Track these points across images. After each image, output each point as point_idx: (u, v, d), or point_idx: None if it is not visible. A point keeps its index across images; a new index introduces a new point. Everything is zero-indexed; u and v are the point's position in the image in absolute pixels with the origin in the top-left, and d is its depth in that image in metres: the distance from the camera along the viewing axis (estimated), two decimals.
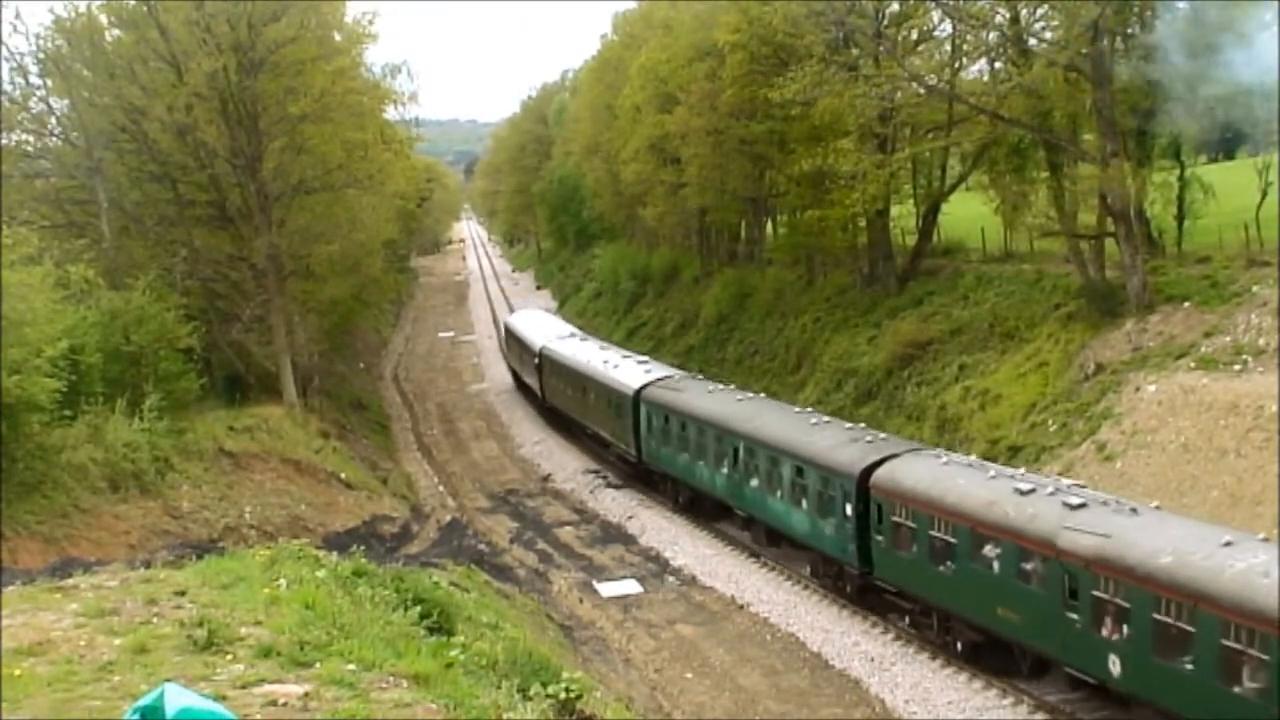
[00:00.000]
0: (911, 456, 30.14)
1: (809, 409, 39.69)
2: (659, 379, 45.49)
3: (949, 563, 26.56)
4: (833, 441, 32.75)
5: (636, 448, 45.03)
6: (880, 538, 29.15)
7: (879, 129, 49.10)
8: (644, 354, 68.11)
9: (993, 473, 27.49)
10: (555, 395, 58.98)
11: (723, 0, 59.95)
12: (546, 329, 65.51)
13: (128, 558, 23.53)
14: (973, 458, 30.88)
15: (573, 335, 63.06)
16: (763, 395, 44.00)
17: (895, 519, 28.42)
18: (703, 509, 41.57)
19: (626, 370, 48.24)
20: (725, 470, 37.92)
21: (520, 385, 70.39)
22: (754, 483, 36.14)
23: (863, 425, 35.79)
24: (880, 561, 29.51)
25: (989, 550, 25.32)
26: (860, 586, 31.16)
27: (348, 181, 51.26)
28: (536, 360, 60.72)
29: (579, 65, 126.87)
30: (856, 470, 30.07)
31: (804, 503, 32.89)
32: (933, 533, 26.98)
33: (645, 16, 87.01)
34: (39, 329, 29.87)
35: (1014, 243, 52.09)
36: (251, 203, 48.14)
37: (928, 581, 27.62)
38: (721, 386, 44.32)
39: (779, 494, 34.52)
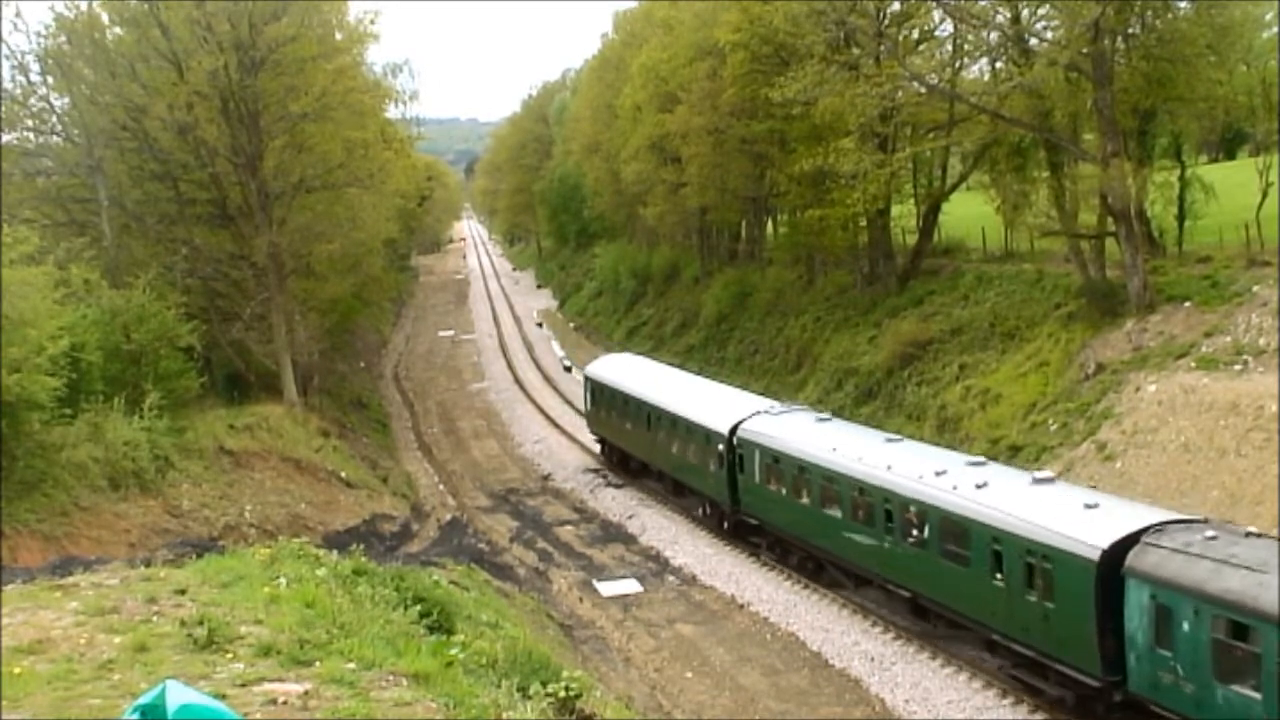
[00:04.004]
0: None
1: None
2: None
3: None
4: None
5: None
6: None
7: (880, 128, 49.08)
8: (644, 354, 67.78)
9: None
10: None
11: (723, 0, 59.91)
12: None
13: (128, 556, 23.53)
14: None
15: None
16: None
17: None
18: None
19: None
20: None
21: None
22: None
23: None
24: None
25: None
26: None
27: (348, 180, 51.29)
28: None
29: (580, 64, 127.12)
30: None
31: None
32: None
33: (646, 15, 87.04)
34: (39, 327, 29.86)
35: (1014, 242, 52.09)
36: (252, 201, 48.14)
37: None
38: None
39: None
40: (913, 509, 27.85)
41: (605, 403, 49.92)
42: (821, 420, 35.77)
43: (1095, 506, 23.76)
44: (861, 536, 30.08)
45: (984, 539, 25.24)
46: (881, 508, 29.00)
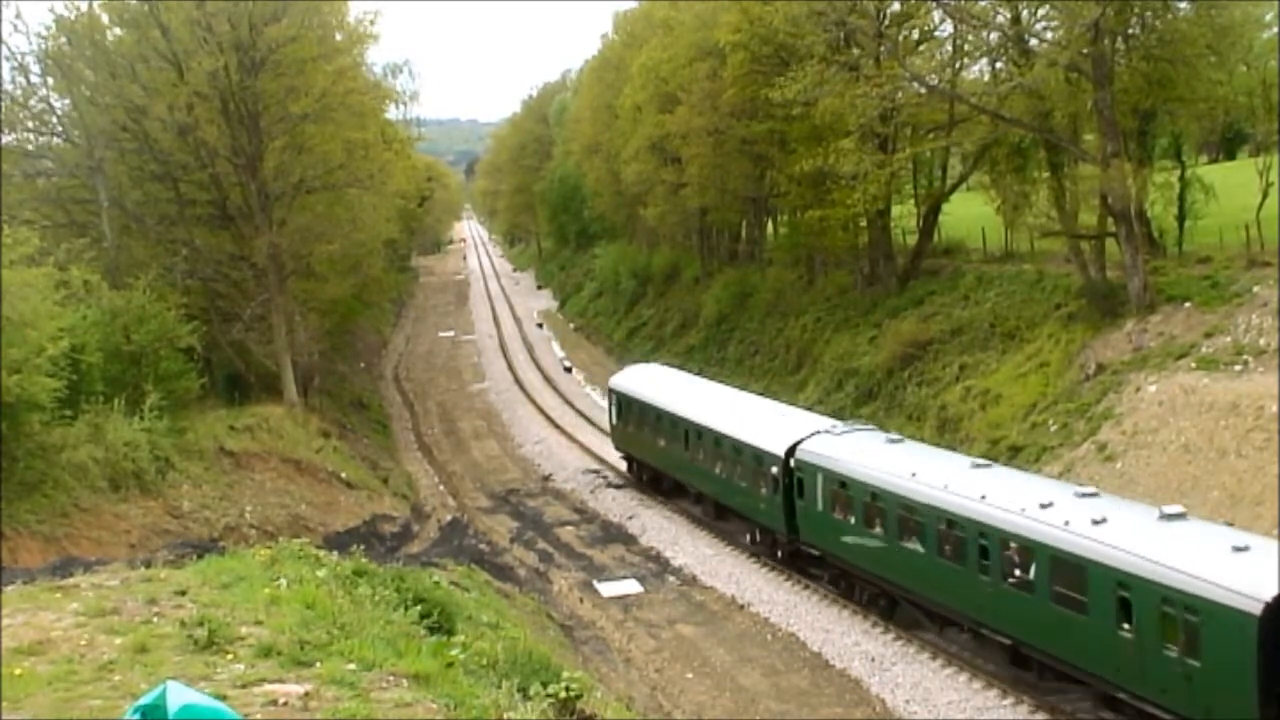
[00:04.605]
0: None
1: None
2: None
3: None
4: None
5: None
6: None
7: (880, 129, 49.08)
8: (646, 354, 67.85)
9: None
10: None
11: (724, 0, 59.93)
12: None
13: (128, 557, 23.53)
14: None
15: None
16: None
17: None
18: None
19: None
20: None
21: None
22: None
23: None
24: None
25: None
26: None
27: (349, 181, 51.33)
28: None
29: (580, 65, 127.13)
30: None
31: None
32: None
33: (646, 16, 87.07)
34: (40, 328, 29.86)
35: (1015, 243, 52.09)
36: (252, 202, 48.16)
37: None
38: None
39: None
40: (1014, 545, 24.70)
41: (634, 418, 46.41)
42: (893, 442, 31.84)
43: (1246, 549, 20.51)
44: (949, 574, 26.73)
45: (1107, 583, 21.97)
46: (975, 543, 25.72)
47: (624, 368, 55.94)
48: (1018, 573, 24.74)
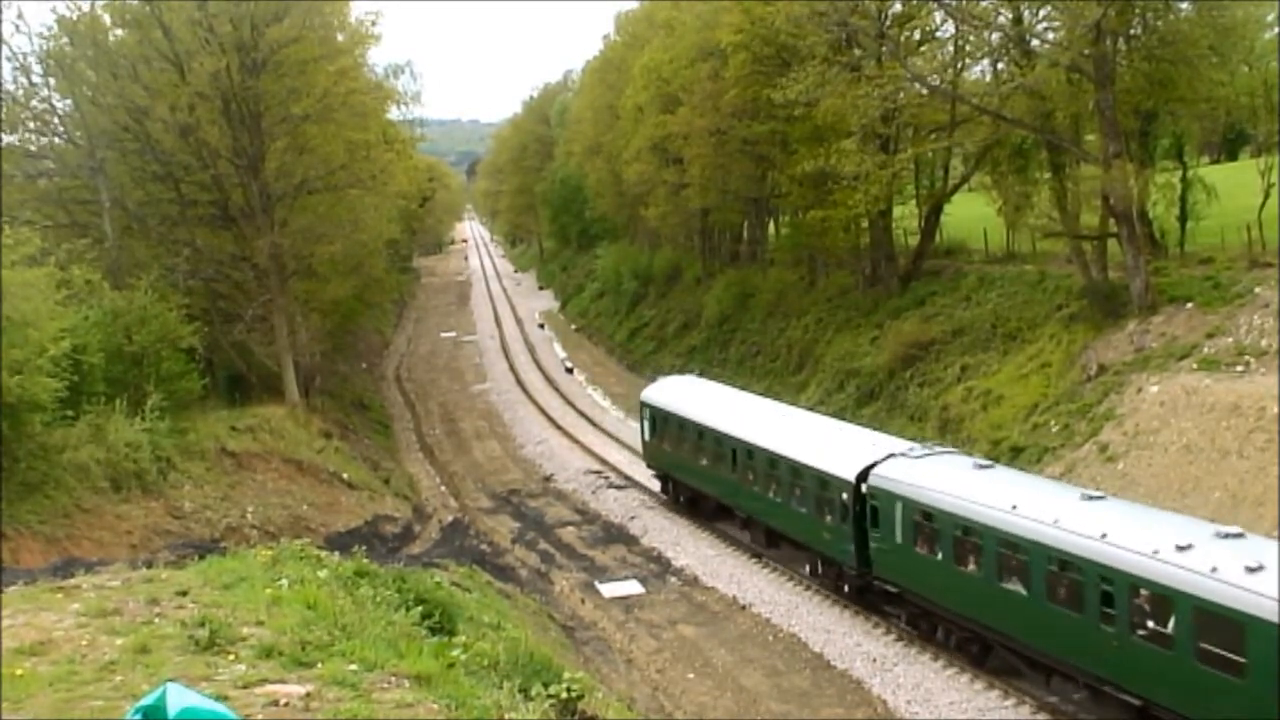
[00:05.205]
0: None
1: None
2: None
3: None
4: None
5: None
6: None
7: (881, 129, 49.09)
8: (648, 353, 67.65)
9: None
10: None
11: (725, 0, 59.96)
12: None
13: (130, 557, 23.53)
14: None
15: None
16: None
17: None
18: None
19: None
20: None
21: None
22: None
23: None
24: None
25: None
26: None
27: (350, 182, 51.36)
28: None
29: (581, 65, 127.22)
30: None
31: None
32: None
33: (648, 16, 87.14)
34: (41, 329, 29.88)
35: (1016, 243, 52.10)
36: (254, 203, 48.18)
37: None
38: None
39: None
40: (1147, 593, 21.76)
41: (672, 435, 42.99)
42: (982, 467, 28.66)
43: None
44: (1061, 622, 23.72)
45: (1270, 642, 19.00)
46: (1095, 588, 22.71)
47: (656, 379, 50.90)
48: (1151, 624, 21.69)
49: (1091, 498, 24.98)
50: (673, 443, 43.06)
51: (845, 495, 30.95)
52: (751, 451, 36.70)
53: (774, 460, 35.35)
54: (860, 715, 26.51)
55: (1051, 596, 23.96)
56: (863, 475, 30.34)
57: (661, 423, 43.89)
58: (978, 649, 27.28)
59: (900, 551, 28.85)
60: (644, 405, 45.92)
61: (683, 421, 42.01)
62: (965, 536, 26.42)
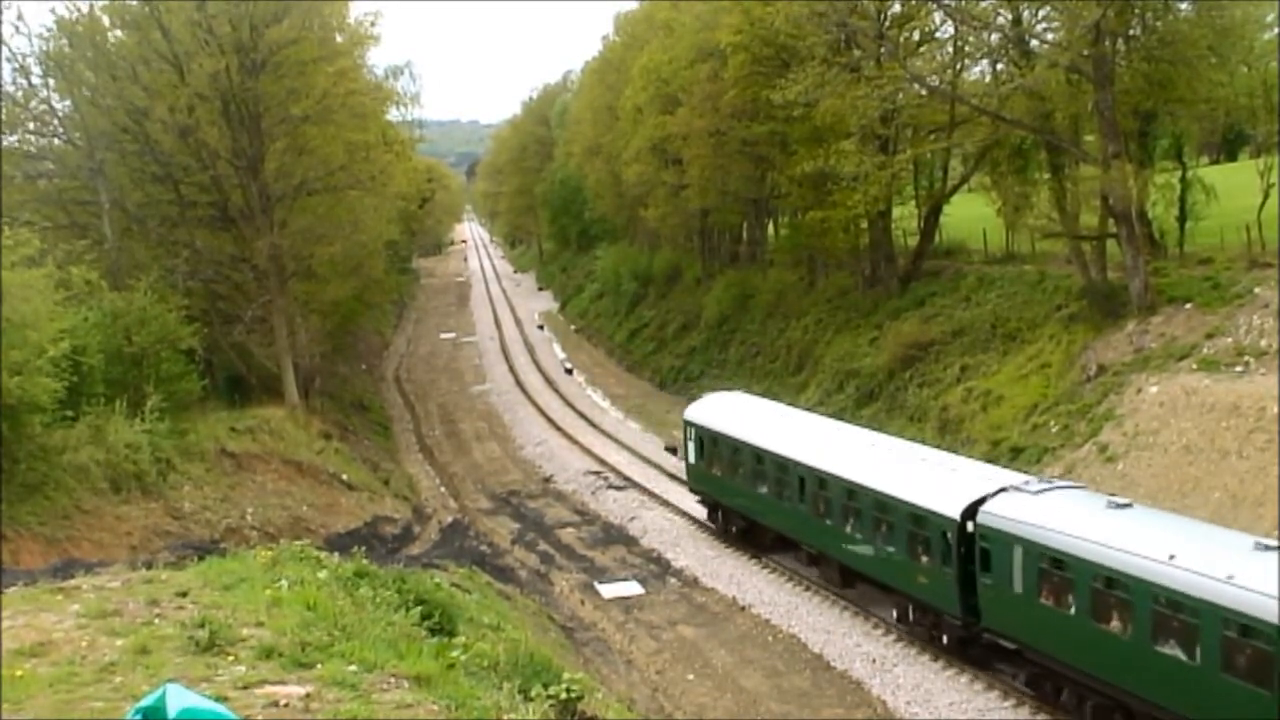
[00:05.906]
0: None
1: None
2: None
3: None
4: None
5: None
6: None
7: (881, 130, 49.11)
8: (647, 354, 67.40)
9: None
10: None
11: (725, 1, 59.98)
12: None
13: (129, 558, 23.52)
14: None
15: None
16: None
17: None
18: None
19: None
20: None
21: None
22: None
23: None
24: None
25: None
26: None
27: (349, 183, 51.37)
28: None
29: (580, 66, 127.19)
30: None
31: None
32: None
33: (647, 17, 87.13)
34: (41, 330, 29.88)
35: (1016, 244, 52.10)
36: (253, 204, 48.19)
37: None
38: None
39: None
40: None
41: (723, 458, 38.65)
42: (1118, 506, 24.15)
43: None
44: (1244, 698, 19.64)
45: None
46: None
47: (702, 396, 45.45)
48: None
49: (1268, 548, 20.80)
50: (724, 467, 38.75)
51: (948, 534, 27.03)
52: (824, 480, 32.58)
53: (853, 491, 31.17)
54: (860, 716, 26.51)
55: (1228, 668, 19.99)
56: (969, 512, 26.55)
57: (710, 445, 39.51)
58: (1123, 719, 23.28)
59: (1020, 602, 24.85)
60: (688, 425, 41.48)
61: (737, 445, 37.74)
62: (1109, 590, 22.57)
